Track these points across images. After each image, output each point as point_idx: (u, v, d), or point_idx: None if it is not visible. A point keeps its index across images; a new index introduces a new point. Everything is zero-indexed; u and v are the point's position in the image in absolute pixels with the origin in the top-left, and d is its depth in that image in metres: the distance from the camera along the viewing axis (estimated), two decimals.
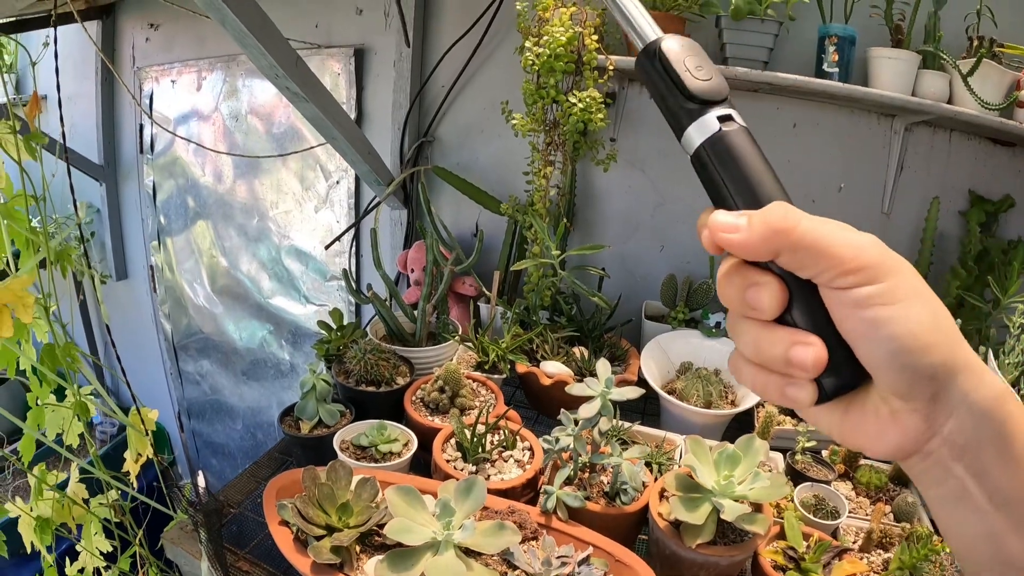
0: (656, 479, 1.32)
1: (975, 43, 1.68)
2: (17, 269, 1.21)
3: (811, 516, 1.32)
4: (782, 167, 1.87)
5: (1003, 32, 1.68)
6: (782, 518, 1.24)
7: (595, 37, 1.78)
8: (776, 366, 0.45)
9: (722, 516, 1.10)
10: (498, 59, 2.24)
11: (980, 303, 1.73)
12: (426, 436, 1.48)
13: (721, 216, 0.45)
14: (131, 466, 1.51)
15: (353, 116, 2.54)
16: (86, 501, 1.46)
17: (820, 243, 0.42)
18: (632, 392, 1.27)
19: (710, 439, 1.36)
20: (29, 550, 1.40)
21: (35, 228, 1.23)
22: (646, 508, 1.24)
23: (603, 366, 1.30)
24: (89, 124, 3.50)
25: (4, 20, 2.85)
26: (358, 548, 1.14)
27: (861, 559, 1.22)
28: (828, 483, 1.40)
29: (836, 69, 1.74)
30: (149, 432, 1.46)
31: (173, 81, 3.22)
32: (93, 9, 3.30)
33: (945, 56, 1.66)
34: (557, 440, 1.30)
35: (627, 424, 1.48)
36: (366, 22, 2.48)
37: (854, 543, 1.31)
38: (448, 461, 1.38)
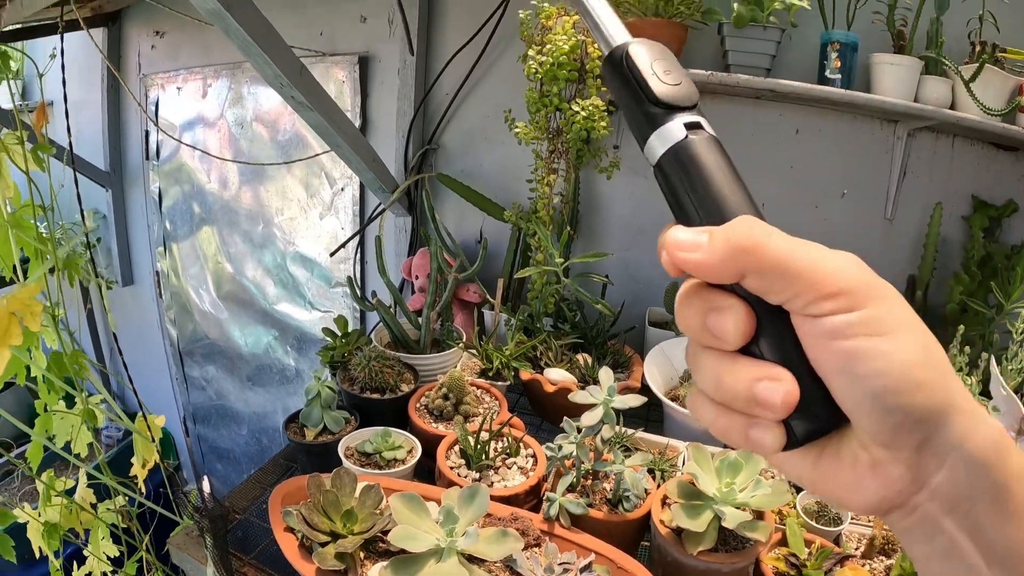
0: (659, 486, 1.32)
1: (977, 48, 1.68)
2: (25, 277, 1.23)
3: (813, 523, 1.32)
4: (785, 173, 1.89)
5: (1005, 37, 1.68)
6: (784, 525, 1.24)
7: (597, 45, 1.78)
8: (739, 404, 0.39)
9: (724, 523, 1.11)
10: (501, 67, 2.25)
11: (983, 309, 1.73)
12: (430, 443, 1.49)
13: (679, 233, 0.40)
14: (138, 471, 1.53)
15: (358, 123, 2.56)
16: (94, 506, 1.47)
17: (791, 263, 0.37)
18: (634, 400, 1.28)
19: (713, 446, 1.37)
20: (37, 555, 1.41)
21: (43, 236, 1.25)
22: (648, 515, 1.24)
23: (605, 374, 1.30)
24: (95, 130, 3.53)
25: (10, 27, 2.87)
26: (362, 554, 1.15)
27: (863, 566, 1.23)
28: None
29: (838, 75, 1.75)
30: (156, 439, 1.47)
31: (179, 88, 3.24)
32: (99, 16, 3.32)
33: (947, 62, 1.66)
34: (560, 447, 1.31)
35: (630, 431, 1.48)
36: (370, 30, 2.50)
37: (856, 550, 1.32)
38: (452, 468, 1.39)
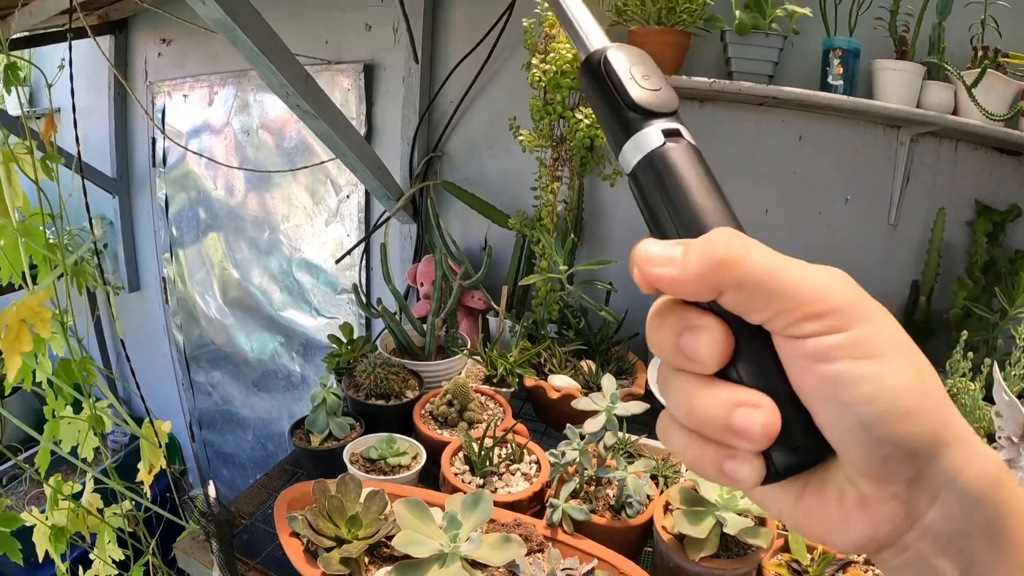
0: (662, 492, 1.33)
1: (979, 53, 1.68)
2: (35, 283, 1.24)
3: None
4: (788, 179, 1.90)
5: (1007, 41, 1.68)
6: (786, 531, 1.25)
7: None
8: (713, 433, 0.36)
9: (725, 529, 1.11)
10: (506, 74, 2.26)
11: (987, 314, 1.73)
12: (435, 449, 1.50)
13: (651, 246, 0.37)
14: (144, 477, 1.54)
15: (363, 131, 2.57)
16: (100, 511, 1.48)
17: (772, 279, 0.34)
18: (636, 407, 1.29)
19: None
20: (41, 558, 1.42)
21: (52, 244, 1.26)
22: (651, 521, 1.25)
23: (608, 381, 1.31)
24: (102, 137, 3.55)
25: (18, 35, 2.90)
26: (367, 559, 1.16)
27: (866, 571, 1.23)
28: None
29: (841, 82, 1.75)
30: (162, 444, 1.48)
31: (185, 96, 3.27)
32: (106, 24, 3.34)
33: (949, 67, 1.67)
34: (563, 454, 1.31)
35: (633, 437, 1.49)
36: (375, 38, 2.51)
37: (859, 555, 1.32)
38: (456, 474, 1.40)
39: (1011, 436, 1.19)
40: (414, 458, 1.49)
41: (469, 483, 1.38)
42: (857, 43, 1.75)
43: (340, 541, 1.15)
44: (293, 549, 1.15)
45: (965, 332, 1.49)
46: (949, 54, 1.71)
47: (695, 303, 0.37)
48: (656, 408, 1.59)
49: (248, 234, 3.22)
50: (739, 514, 1.14)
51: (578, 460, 1.29)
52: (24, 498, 3.21)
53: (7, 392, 1.29)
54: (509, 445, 1.48)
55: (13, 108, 3.03)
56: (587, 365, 1.82)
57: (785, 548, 1.23)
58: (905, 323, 1.85)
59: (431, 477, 1.50)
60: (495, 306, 2.02)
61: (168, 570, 1.56)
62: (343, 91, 2.60)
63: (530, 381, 1.73)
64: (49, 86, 1.25)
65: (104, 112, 3.52)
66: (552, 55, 1.76)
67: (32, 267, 1.28)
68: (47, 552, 1.40)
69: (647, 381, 1.74)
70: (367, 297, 2.78)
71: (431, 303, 1.96)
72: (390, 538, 1.15)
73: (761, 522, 1.18)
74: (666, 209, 0.39)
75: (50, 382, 1.33)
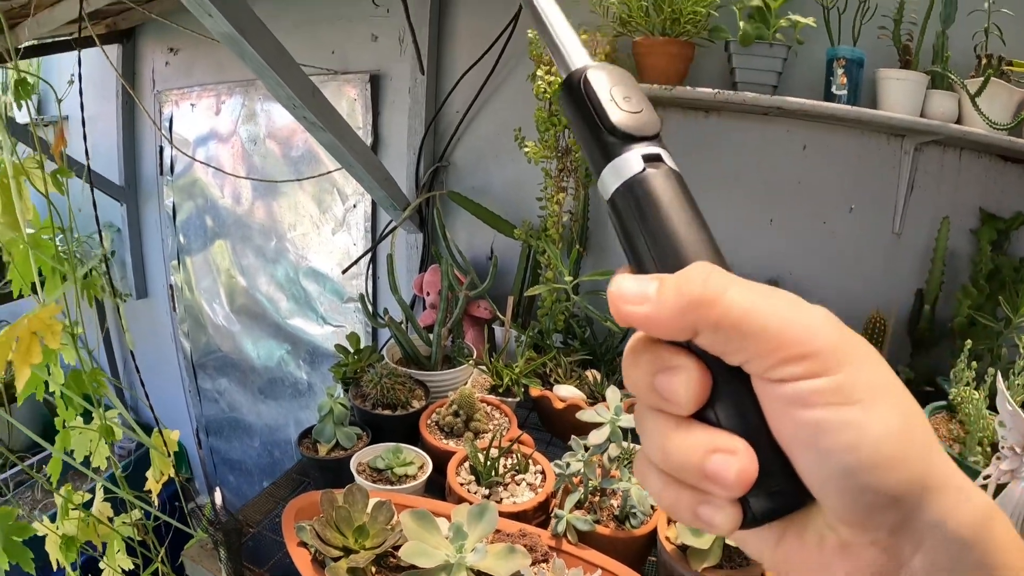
0: None
1: (983, 61, 1.68)
2: (43, 288, 1.26)
3: None
4: (793, 188, 1.91)
5: (1011, 49, 1.68)
6: None
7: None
8: (689, 478, 0.34)
9: (728, 540, 1.12)
10: (511, 84, 2.27)
11: (991, 322, 1.73)
12: (441, 459, 1.51)
13: (625, 282, 0.36)
14: (153, 485, 1.55)
15: (369, 141, 2.59)
16: (110, 520, 1.49)
17: (751, 320, 0.32)
18: None
19: None
20: (55, 566, 1.44)
21: (62, 256, 1.27)
22: (655, 531, 1.25)
23: (612, 393, 1.32)
24: (110, 145, 3.58)
25: (27, 44, 2.92)
26: (374, 569, 1.17)
27: None
28: None
29: (844, 91, 1.76)
30: (171, 454, 1.50)
31: (193, 105, 3.29)
32: (114, 33, 3.37)
33: (953, 76, 1.67)
34: (568, 465, 1.32)
35: (638, 447, 1.50)
36: (381, 48, 2.53)
37: None
38: (462, 484, 1.41)
39: (1014, 446, 1.19)
40: (420, 468, 1.49)
41: (475, 493, 1.39)
42: (861, 52, 1.75)
43: (347, 551, 1.16)
44: (301, 559, 1.16)
45: (969, 341, 1.49)
46: (953, 62, 1.71)
47: (672, 341, 0.35)
48: None
49: (255, 242, 3.25)
50: None
51: (583, 471, 1.30)
52: (31, 503, 3.22)
53: (19, 402, 1.31)
54: (515, 455, 1.49)
55: (21, 116, 3.05)
56: (592, 375, 1.83)
57: None
58: (909, 332, 1.86)
59: (437, 487, 1.51)
60: (501, 316, 2.03)
61: None
62: (350, 101, 2.61)
63: (535, 391, 1.74)
64: (59, 101, 1.26)
65: (112, 120, 3.55)
66: (556, 67, 1.77)
67: (40, 275, 1.29)
68: (58, 560, 1.41)
69: None
70: (373, 306, 2.79)
71: (437, 313, 1.97)
72: (397, 548, 1.15)
73: None
74: (644, 239, 0.38)
75: (61, 392, 1.34)
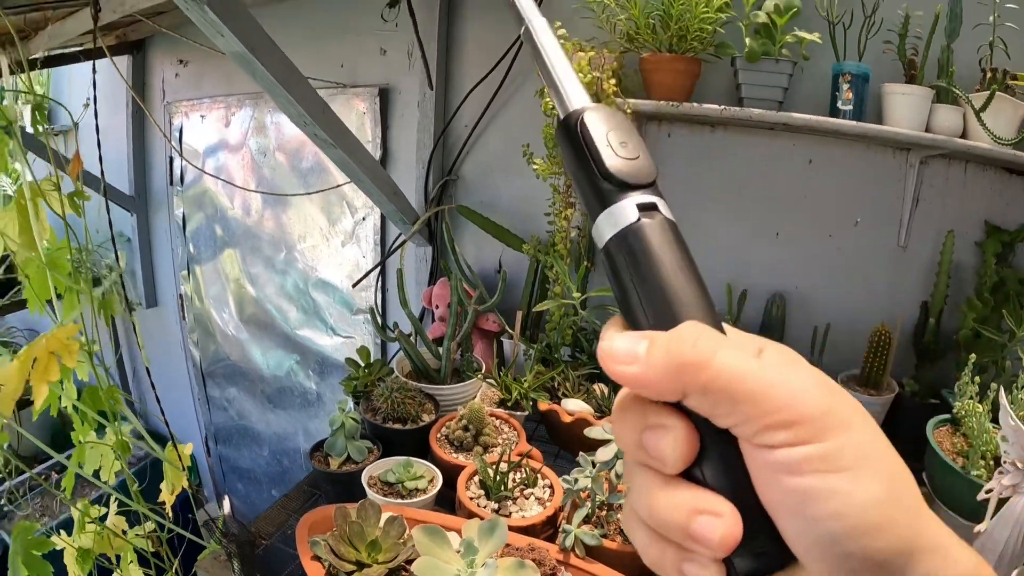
0: None
1: (988, 75, 1.69)
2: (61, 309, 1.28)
3: None
4: (799, 203, 1.92)
5: (1016, 63, 1.68)
6: None
7: (613, 81, 1.82)
8: (674, 535, 0.35)
9: None
10: (519, 99, 2.28)
11: (995, 335, 1.74)
12: (450, 472, 1.53)
13: (616, 341, 0.36)
14: (167, 497, 1.57)
15: (378, 154, 2.61)
16: (123, 532, 1.52)
17: (740, 385, 0.32)
18: None
19: None
20: None
21: (78, 276, 1.30)
22: None
23: None
24: (120, 155, 3.61)
25: (38, 56, 2.94)
26: None
27: None
28: None
29: (850, 107, 1.77)
30: (186, 468, 1.52)
31: (202, 116, 3.31)
32: (124, 44, 3.40)
33: (958, 91, 1.67)
34: (576, 481, 1.34)
35: None
36: (390, 62, 2.55)
37: None
38: (471, 499, 1.43)
39: (1016, 462, 1.20)
40: (431, 481, 1.51)
41: (484, 507, 1.41)
42: (866, 68, 1.77)
43: (360, 565, 1.18)
44: (315, 572, 1.18)
45: (973, 355, 1.50)
46: (958, 75, 1.72)
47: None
48: None
49: (264, 253, 3.27)
50: None
51: (590, 487, 1.31)
52: (42, 509, 3.25)
53: (34, 417, 1.33)
54: (523, 470, 1.51)
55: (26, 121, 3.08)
56: (599, 389, 1.84)
57: None
58: (914, 344, 1.87)
59: (447, 500, 1.53)
60: (509, 329, 2.05)
61: None
62: (359, 114, 2.63)
63: (543, 405, 1.75)
64: (75, 124, 1.29)
65: (122, 130, 3.58)
66: None
67: (56, 292, 1.31)
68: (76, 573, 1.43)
69: None
70: (383, 318, 2.81)
71: (446, 325, 1.99)
72: (409, 562, 1.18)
73: None
74: (636, 292, 0.38)
75: (74, 407, 1.36)
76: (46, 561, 1.30)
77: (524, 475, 1.50)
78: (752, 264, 2.10)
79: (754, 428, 0.32)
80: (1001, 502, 1.20)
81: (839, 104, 1.78)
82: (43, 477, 3.27)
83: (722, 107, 1.79)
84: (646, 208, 0.39)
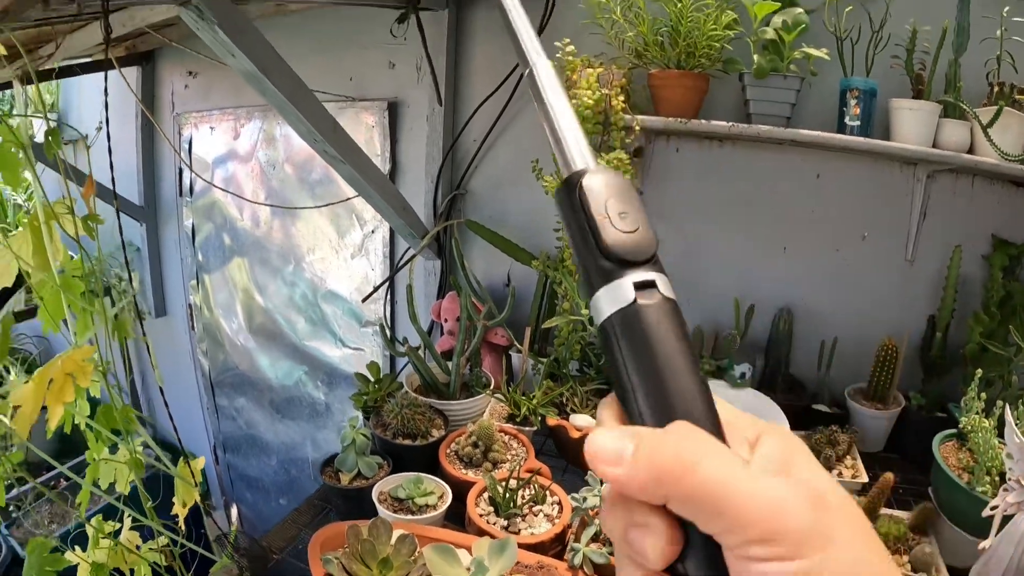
0: None
1: (995, 89, 1.69)
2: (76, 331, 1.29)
3: None
4: (806, 217, 1.93)
5: (1023, 77, 1.70)
6: None
7: (621, 98, 1.83)
8: None
9: None
10: (528, 113, 2.28)
11: (1002, 350, 1.74)
12: (460, 488, 1.54)
13: (602, 438, 0.35)
14: (179, 511, 1.59)
15: (388, 168, 2.62)
16: (137, 547, 1.53)
17: (722, 497, 0.32)
18: None
19: None
20: None
21: (92, 297, 1.31)
22: None
23: None
24: (129, 166, 3.63)
25: (48, 67, 2.96)
26: None
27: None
28: None
29: (858, 122, 1.78)
30: (198, 484, 1.53)
31: (212, 128, 3.33)
32: (133, 55, 3.41)
33: (965, 106, 1.68)
34: (584, 499, 1.35)
35: None
36: (399, 76, 2.56)
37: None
38: (481, 515, 1.44)
39: (1021, 479, 1.21)
40: (440, 498, 1.52)
41: (494, 524, 1.42)
42: (874, 83, 1.77)
43: None
44: None
45: (979, 371, 1.51)
46: (966, 88, 1.72)
47: None
48: None
49: (273, 264, 3.28)
50: None
51: (599, 505, 1.32)
52: (50, 516, 3.26)
53: (48, 435, 1.34)
54: (532, 487, 1.52)
55: (39, 133, 3.09)
56: None
57: None
58: (921, 358, 1.87)
59: (456, 515, 1.54)
60: (518, 344, 2.06)
61: None
62: (367, 128, 2.64)
63: (552, 420, 1.76)
64: (88, 147, 1.30)
65: (131, 141, 3.60)
66: (573, 101, 1.79)
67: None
68: None
69: None
70: (392, 330, 2.82)
71: (455, 339, 2.00)
72: None
73: None
74: (629, 379, 0.37)
75: (88, 424, 1.38)
76: None
77: (533, 492, 1.51)
78: (760, 278, 2.11)
79: (735, 540, 0.32)
80: (1006, 519, 1.21)
81: (847, 119, 1.79)
82: (51, 485, 3.29)
83: (730, 124, 1.80)
84: (644, 286, 0.38)
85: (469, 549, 1.24)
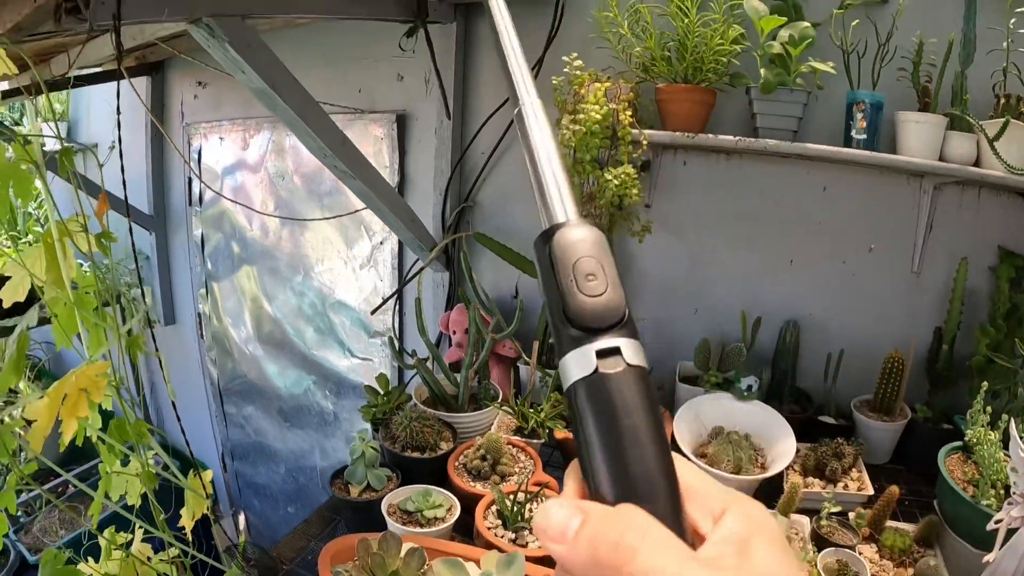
0: None
1: (1002, 101, 1.69)
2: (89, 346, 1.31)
3: None
4: (812, 229, 1.94)
5: None
6: None
7: (629, 112, 1.84)
8: None
9: None
10: None
11: (1008, 363, 1.74)
12: (468, 501, 1.55)
13: (552, 509, 0.35)
14: (187, 523, 1.60)
15: (396, 180, 2.63)
16: (149, 559, 1.54)
17: None
18: None
19: None
20: None
21: (106, 314, 1.32)
22: None
23: None
24: (139, 174, 3.63)
25: (56, 78, 2.99)
26: None
27: None
28: (852, 548, 1.44)
29: (864, 136, 1.78)
30: (209, 496, 1.54)
31: (221, 138, 3.34)
32: (143, 65, 3.43)
33: (971, 119, 1.68)
34: None
35: None
36: (407, 88, 2.57)
37: None
38: (489, 528, 1.45)
39: None
40: (449, 510, 1.53)
41: (502, 537, 1.43)
42: (880, 96, 1.78)
43: None
44: None
45: (985, 384, 1.51)
46: (973, 100, 1.73)
47: None
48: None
49: (282, 273, 3.30)
50: None
51: None
52: (59, 522, 3.27)
53: (61, 448, 1.36)
54: (540, 500, 1.53)
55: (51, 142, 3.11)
56: None
57: None
58: (927, 370, 1.88)
59: (465, 527, 1.55)
60: (526, 356, 2.07)
61: None
62: (376, 140, 2.66)
63: (560, 433, 1.77)
64: (101, 166, 1.31)
65: (141, 150, 3.61)
66: (581, 116, 1.80)
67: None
68: None
69: (673, 433, 1.77)
70: (400, 341, 2.83)
71: (462, 350, 2.01)
72: None
73: None
74: (585, 451, 0.36)
75: (100, 438, 1.39)
76: None
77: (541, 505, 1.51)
78: (766, 291, 2.11)
79: None
80: (1010, 532, 1.21)
81: (853, 133, 1.79)
82: (59, 490, 3.30)
83: (737, 138, 1.81)
84: (607, 354, 0.36)
85: (477, 562, 1.25)
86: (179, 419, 1.52)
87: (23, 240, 3.71)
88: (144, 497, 1.47)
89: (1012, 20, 1.64)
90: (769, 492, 1.65)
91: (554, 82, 1.89)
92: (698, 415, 1.84)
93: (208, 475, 1.59)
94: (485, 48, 2.38)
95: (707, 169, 2.11)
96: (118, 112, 1.56)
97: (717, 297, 2.18)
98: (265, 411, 3.65)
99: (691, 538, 0.36)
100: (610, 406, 0.35)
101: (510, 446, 1.75)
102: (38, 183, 1.32)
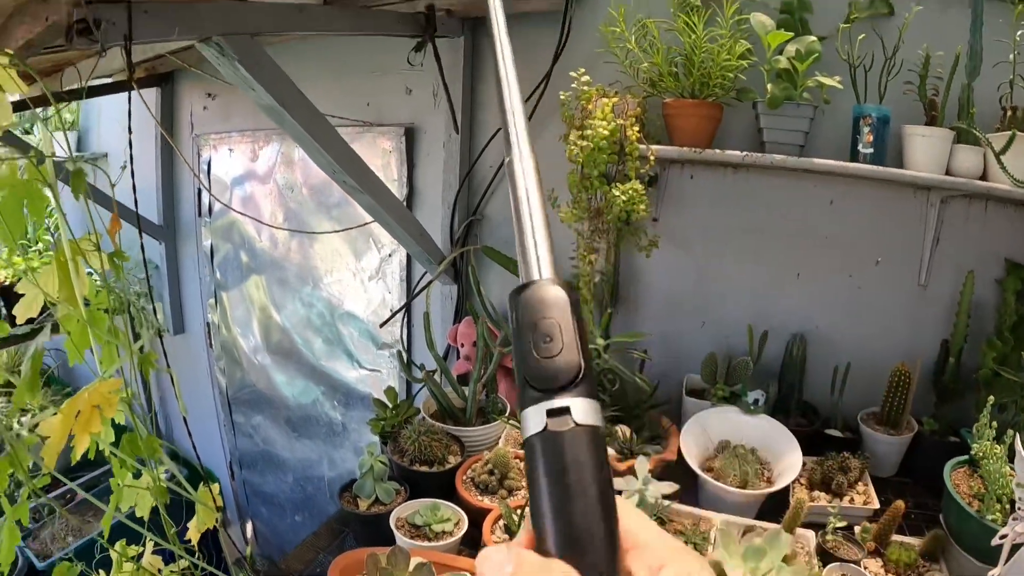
0: None
1: (1008, 113, 1.70)
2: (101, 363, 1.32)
3: None
4: (819, 242, 1.94)
5: None
6: None
7: (636, 127, 1.84)
8: None
9: None
10: (543, 142, 2.26)
11: (1014, 376, 1.74)
12: (476, 515, 1.56)
13: (491, 555, 0.37)
14: (194, 535, 1.61)
15: (404, 193, 2.65)
16: (159, 571, 1.55)
17: None
18: (667, 488, 1.34)
19: (745, 517, 1.42)
20: None
21: (118, 331, 1.34)
22: None
23: (641, 464, 1.36)
24: (149, 185, 3.64)
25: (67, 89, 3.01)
26: None
27: None
28: (857, 562, 1.44)
29: (871, 150, 1.78)
30: (219, 510, 1.55)
31: (230, 149, 3.36)
32: (153, 76, 3.44)
33: (979, 132, 1.69)
34: None
35: (665, 502, 1.53)
36: (416, 101, 2.58)
37: None
38: (496, 543, 1.45)
39: None
40: (456, 524, 1.54)
41: None
42: (887, 110, 1.78)
43: None
44: None
45: (991, 397, 1.51)
46: (979, 112, 1.73)
47: None
48: (689, 469, 1.63)
49: (291, 284, 3.31)
50: None
51: None
52: (66, 528, 3.28)
53: (72, 462, 1.37)
54: None
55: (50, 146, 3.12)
56: (622, 431, 1.85)
57: None
58: (934, 383, 1.88)
59: (472, 541, 1.56)
60: None
61: None
62: (385, 153, 2.67)
63: None
64: (112, 186, 1.33)
65: (151, 161, 3.62)
66: (589, 131, 1.81)
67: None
68: None
69: (679, 447, 1.77)
70: (408, 353, 2.84)
71: (470, 363, 2.02)
72: None
73: None
74: (534, 501, 0.38)
75: (111, 452, 1.40)
76: None
77: None
78: (773, 304, 2.12)
79: None
80: (1015, 548, 1.21)
81: (860, 147, 1.80)
82: (67, 497, 3.31)
83: (744, 153, 1.82)
84: (558, 413, 0.37)
85: None
86: (190, 434, 1.54)
87: (33, 248, 3.72)
88: (154, 509, 1.48)
89: (1019, 32, 1.65)
90: (775, 506, 1.65)
91: (561, 97, 1.90)
92: (705, 429, 1.84)
93: (215, 487, 1.60)
94: (493, 63, 2.36)
95: (714, 183, 2.11)
96: (129, 131, 1.57)
97: (724, 311, 2.18)
98: (273, 420, 3.66)
99: None
100: (556, 463, 0.37)
101: (517, 460, 1.76)
102: (48, 194, 1.34)
